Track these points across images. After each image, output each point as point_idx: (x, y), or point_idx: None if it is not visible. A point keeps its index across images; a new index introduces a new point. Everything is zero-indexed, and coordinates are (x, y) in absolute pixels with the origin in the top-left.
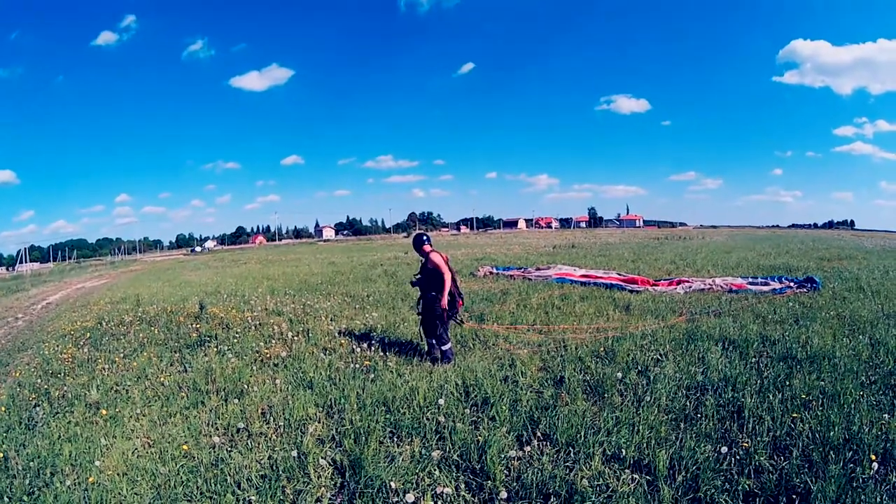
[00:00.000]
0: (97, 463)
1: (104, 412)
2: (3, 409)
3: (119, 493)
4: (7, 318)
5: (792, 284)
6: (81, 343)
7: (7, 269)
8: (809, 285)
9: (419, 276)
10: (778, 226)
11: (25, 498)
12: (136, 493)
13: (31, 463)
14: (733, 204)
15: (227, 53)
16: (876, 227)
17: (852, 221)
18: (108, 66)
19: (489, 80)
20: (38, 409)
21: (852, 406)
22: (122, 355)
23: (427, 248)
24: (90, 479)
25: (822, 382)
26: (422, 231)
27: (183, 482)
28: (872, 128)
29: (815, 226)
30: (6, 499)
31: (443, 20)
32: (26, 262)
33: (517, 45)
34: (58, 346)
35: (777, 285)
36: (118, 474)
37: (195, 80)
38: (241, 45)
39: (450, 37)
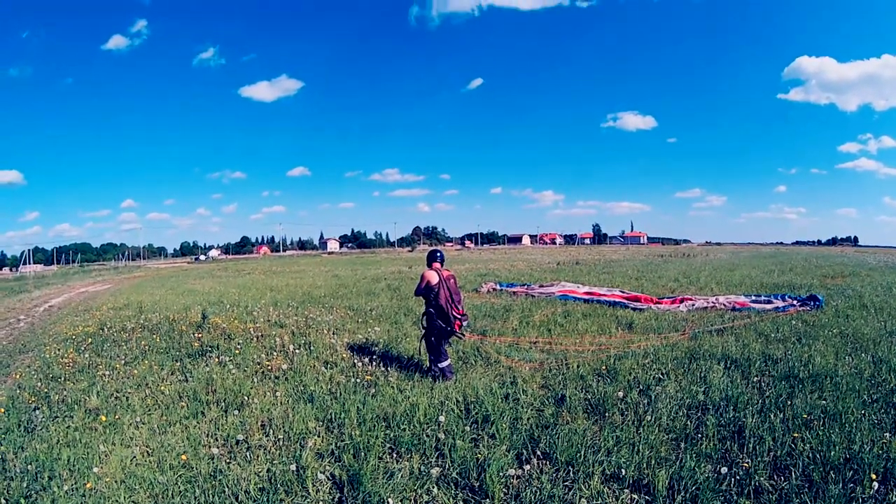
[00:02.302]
0: (95, 469)
1: (104, 418)
2: (2, 411)
3: (116, 501)
4: (9, 319)
5: (795, 302)
6: (83, 348)
7: (10, 270)
8: (812, 303)
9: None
10: (782, 243)
11: (23, 501)
12: (133, 502)
13: (30, 466)
14: (737, 221)
15: (238, 63)
16: (879, 244)
17: (856, 238)
18: (118, 70)
19: (497, 95)
20: (37, 412)
21: (853, 425)
22: (123, 362)
23: (436, 265)
24: (88, 486)
25: (824, 401)
26: (436, 248)
27: (181, 492)
28: (877, 144)
29: (819, 242)
30: (3, 500)
31: (453, 35)
32: (30, 263)
33: (526, 61)
34: (59, 349)
35: (780, 303)
36: (116, 482)
37: (205, 88)
38: (252, 55)
39: (459, 52)
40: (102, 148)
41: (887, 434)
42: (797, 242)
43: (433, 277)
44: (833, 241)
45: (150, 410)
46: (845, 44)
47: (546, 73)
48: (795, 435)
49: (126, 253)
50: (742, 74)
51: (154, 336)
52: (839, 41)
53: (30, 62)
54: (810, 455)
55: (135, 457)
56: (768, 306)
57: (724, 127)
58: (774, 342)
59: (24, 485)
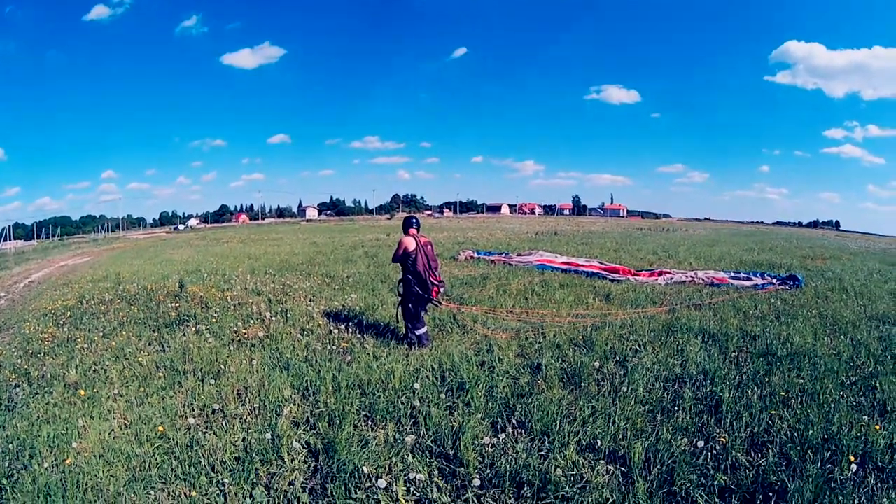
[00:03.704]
0: (74, 445)
1: (82, 392)
2: None
3: (95, 476)
4: None
5: (774, 281)
6: (62, 322)
7: None
8: (792, 283)
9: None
10: (762, 222)
11: (4, 481)
12: (111, 476)
13: (11, 445)
14: (719, 198)
15: (222, 31)
16: (861, 230)
17: (837, 222)
18: (100, 41)
19: (481, 65)
20: (18, 389)
21: (832, 406)
22: (101, 334)
23: (413, 231)
24: (67, 461)
25: (802, 381)
26: (412, 215)
27: (158, 464)
28: (863, 132)
29: (800, 224)
30: None
31: (438, 3)
32: (10, 239)
33: (511, 31)
34: (38, 325)
35: (759, 281)
36: (94, 456)
37: (187, 57)
38: (235, 24)
39: (445, 21)
40: (84, 119)
41: (866, 417)
42: (778, 223)
43: (410, 244)
44: (814, 224)
45: (127, 382)
46: (835, 32)
47: (531, 43)
48: (773, 412)
49: (105, 224)
50: (729, 54)
51: (132, 307)
52: (829, 28)
53: (13, 37)
54: (788, 433)
55: (113, 430)
56: (747, 283)
57: (709, 105)
58: (753, 319)
59: (6, 464)
